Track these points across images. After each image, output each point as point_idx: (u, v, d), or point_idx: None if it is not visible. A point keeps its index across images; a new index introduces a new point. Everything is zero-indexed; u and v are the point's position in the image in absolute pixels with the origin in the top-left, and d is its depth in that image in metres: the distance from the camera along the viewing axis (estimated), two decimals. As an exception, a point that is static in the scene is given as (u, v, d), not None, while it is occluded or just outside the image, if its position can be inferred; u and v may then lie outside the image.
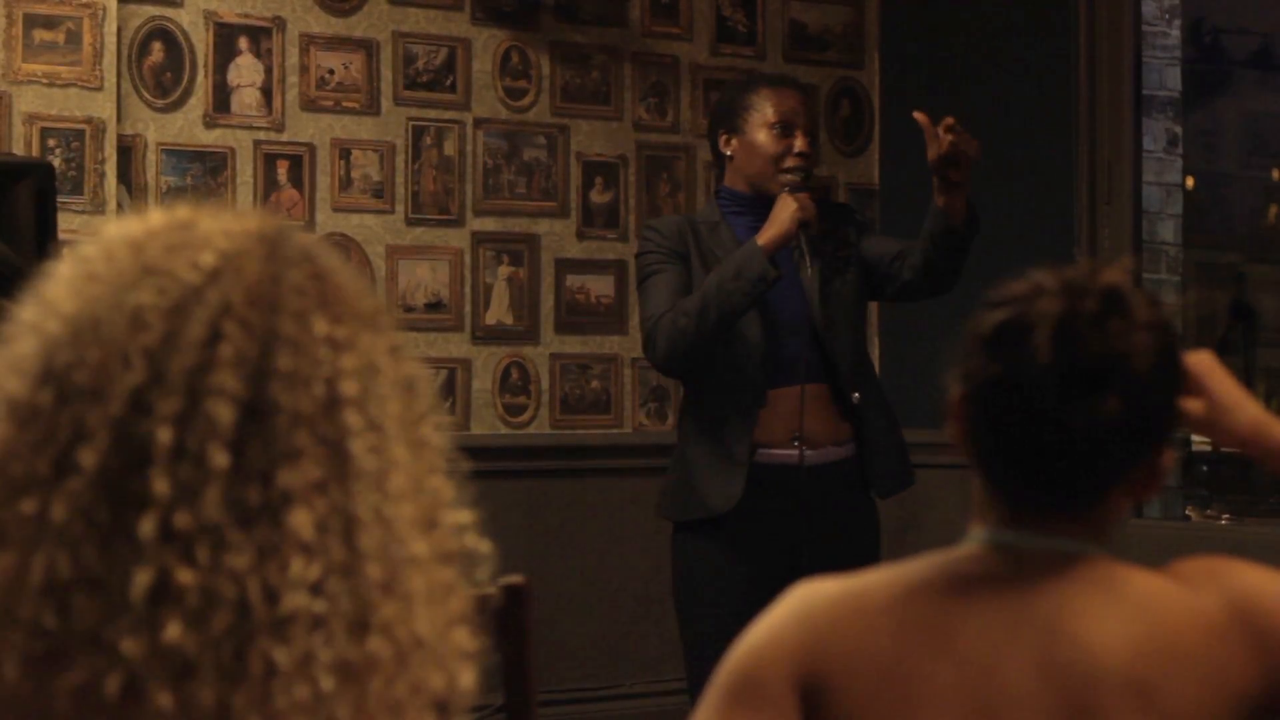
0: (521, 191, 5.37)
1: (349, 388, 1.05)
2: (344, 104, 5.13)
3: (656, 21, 5.55)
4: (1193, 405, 1.76)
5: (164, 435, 1.00)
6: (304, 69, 5.08)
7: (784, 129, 3.87)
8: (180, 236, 1.07)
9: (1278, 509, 5.57)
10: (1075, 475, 1.64)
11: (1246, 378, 5.61)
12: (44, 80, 4.70)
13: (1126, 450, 1.63)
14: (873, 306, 5.78)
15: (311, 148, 5.09)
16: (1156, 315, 1.66)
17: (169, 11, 4.92)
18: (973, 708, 1.60)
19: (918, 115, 3.69)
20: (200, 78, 4.95)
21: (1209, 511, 5.48)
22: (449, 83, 5.26)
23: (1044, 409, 1.61)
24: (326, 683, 1.01)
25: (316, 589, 1.01)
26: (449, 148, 5.26)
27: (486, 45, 5.32)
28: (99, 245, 1.08)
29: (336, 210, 5.12)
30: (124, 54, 4.84)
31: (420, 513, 1.07)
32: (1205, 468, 5.73)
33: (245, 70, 5.01)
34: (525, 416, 5.34)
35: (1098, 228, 5.29)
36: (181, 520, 1.00)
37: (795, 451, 3.79)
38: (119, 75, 4.81)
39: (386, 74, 5.18)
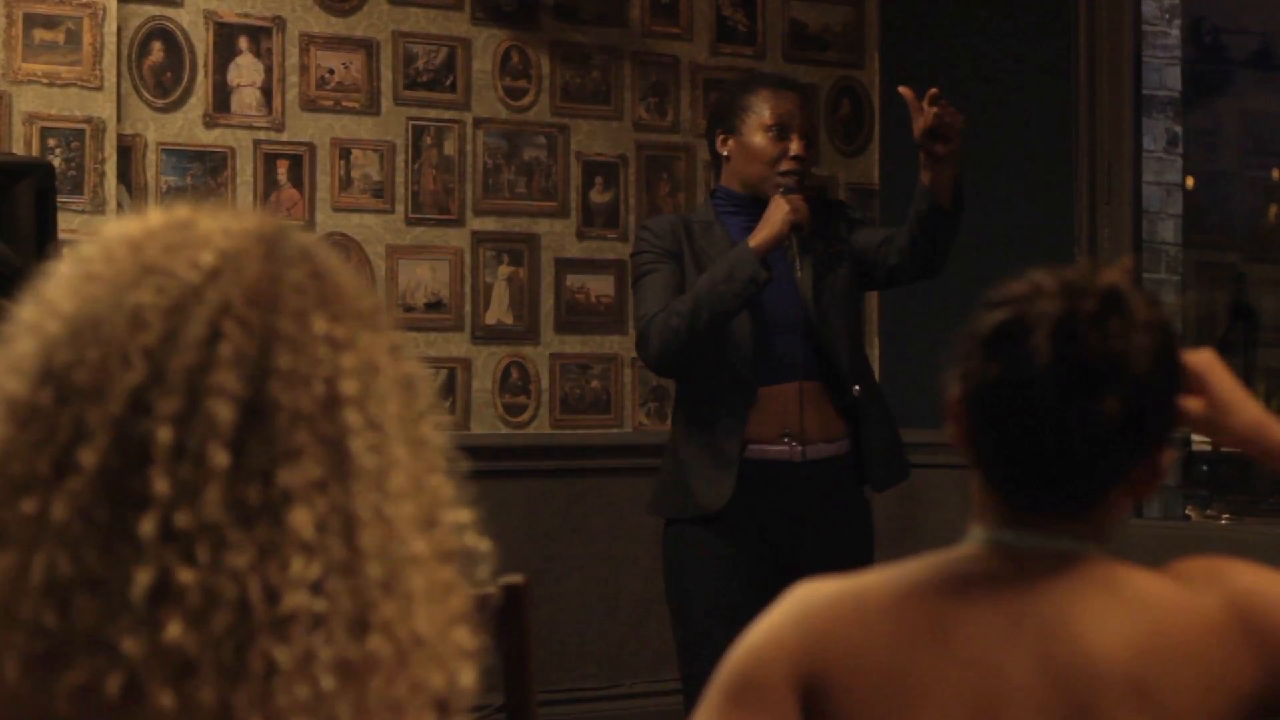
0: (521, 191, 5.37)
1: (349, 386, 1.05)
2: (344, 104, 5.13)
3: (656, 21, 5.56)
4: (1193, 404, 1.76)
5: (164, 435, 1.01)
6: (304, 69, 5.08)
7: (780, 131, 3.88)
8: (179, 236, 1.07)
9: (1278, 509, 5.57)
10: (1075, 475, 1.64)
11: (1246, 378, 5.61)
12: (44, 80, 4.70)
13: (1126, 450, 1.63)
14: (873, 307, 5.78)
15: (311, 147, 5.09)
16: (1156, 315, 1.66)
17: (169, 11, 4.92)
18: (973, 707, 1.60)
19: (903, 90, 3.71)
20: (200, 78, 4.95)
21: (1209, 511, 5.48)
22: (449, 83, 5.27)
23: (1043, 409, 1.61)
24: (327, 682, 1.01)
25: (317, 588, 1.02)
26: (449, 147, 5.26)
27: (486, 45, 5.32)
28: (98, 245, 1.08)
29: (336, 210, 5.13)
30: (124, 54, 4.84)
31: (420, 511, 1.07)
32: (1205, 468, 5.73)
33: (245, 70, 5.01)
34: (525, 416, 5.34)
35: (1098, 228, 5.29)
36: (182, 519, 1.00)
37: (786, 448, 3.80)
38: (119, 75, 4.81)
39: (386, 74, 5.18)
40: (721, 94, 4.20)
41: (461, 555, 1.11)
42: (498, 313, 5.32)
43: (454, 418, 5.17)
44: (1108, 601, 1.62)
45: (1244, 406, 1.78)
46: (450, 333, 5.25)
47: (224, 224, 1.08)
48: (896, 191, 5.73)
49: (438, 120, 5.25)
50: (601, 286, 5.45)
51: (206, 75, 4.96)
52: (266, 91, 5.03)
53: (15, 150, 4.61)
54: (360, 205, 5.15)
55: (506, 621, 1.93)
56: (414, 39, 5.22)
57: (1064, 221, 5.29)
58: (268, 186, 5.03)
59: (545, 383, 5.37)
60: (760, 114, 3.89)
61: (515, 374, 5.34)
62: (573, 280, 5.43)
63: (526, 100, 5.37)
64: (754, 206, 3.87)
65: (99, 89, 4.76)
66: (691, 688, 3.82)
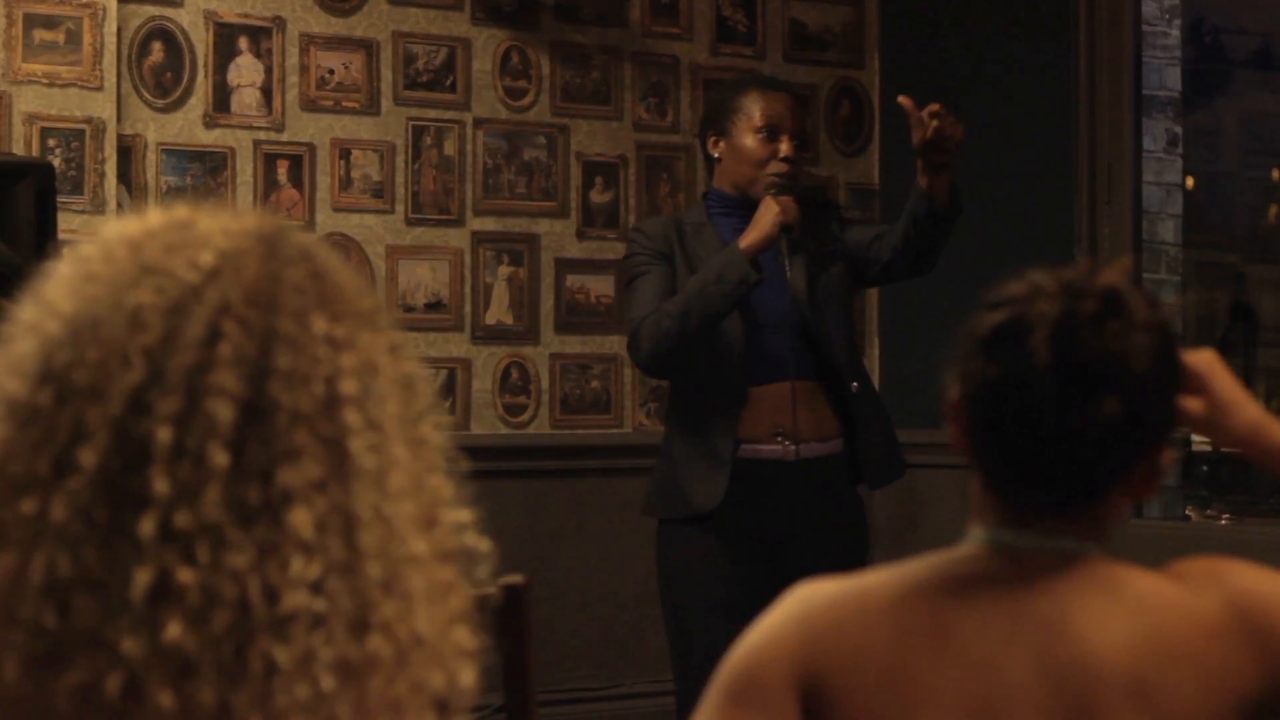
0: (521, 191, 5.37)
1: (348, 386, 1.05)
2: (344, 104, 5.13)
3: (656, 21, 5.56)
4: (1193, 404, 1.76)
5: (164, 435, 1.01)
6: (304, 69, 5.08)
7: (770, 133, 3.90)
8: (179, 236, 1.07)
9: (1278, 509, 5.57)
10: (1074, 475, 1.64)
11: (1246, 378, 5.61)
12: (44, 80, 4.70)
13: (1125, 451, 1.63)
14: (872, 306, 5.79)
15: (311, 148, 5.09)
16: (1155, 316, 1.66)
17: (169, 11, 4.92)
18: (973, 708, 1.60)
19: (902, 100, 3.72)
20: (200, 78, 4.95)
21: (1209, 511, 5.48)
22: (449, 83, 5.27)
23: (1043, 410, 1.61)
24: (327, 681, 1.01)
25: (317, 588, 1.02)
26: (449, 148, 5.26)
27: (486, 45, 5.32)
28: (98, 245, 1.08)
29: (336, 210, 5.13)
30: (124, 54, 4.84)
31: (420, 511, 1.07)
32: (1205, 468, 5.74)
33: (245, 70, 5.01)
34: (525, 416, 5.34)
35: (1098, 228, 5.29)
36: (181, 519, 1.00)
37: (779, 447, 3.81)
38: (119, 75, 4.81)
39: (386, 74, 5.18)
40: (713, 96, 4.22)
41: (461, 555, 1.11)
42: (498, 313, 5.32)
43: (454, 418, 5.17)
44: (1107, 602, 1.62)
45: (1244, 408, 1.78)
46: (450, 333, 5.26)
47: (223, 224, 1.08)
48: (896, 191, 5.73)
49: (438, 120, 5.25)
50: (601, 286, 5.45)
51: (206, 75, 4.96)
52: (266, 92, 5.03)
53: (15, 150, 4.61)
54: (360, 205, 5.15)
55: (506, 621, 1.93)
56: (414, 39, 5.22)
57: (1064, 221, 5.29)
58: (268, 187, 5.03)
59: (545, 383, 5.37)
60: (751, 115, 3.91)
61: (515, 374, 5.34)
62: (573, 280, 5.43)
63: (526, 100, 5.37)
64: (745, 208, 3.88)
65: (99, 89, 4.76)
66: (684, 687, 3.82)
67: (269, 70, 5.04)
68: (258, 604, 1.00)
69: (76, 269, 1.07)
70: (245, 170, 5.00)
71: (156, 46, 4.91)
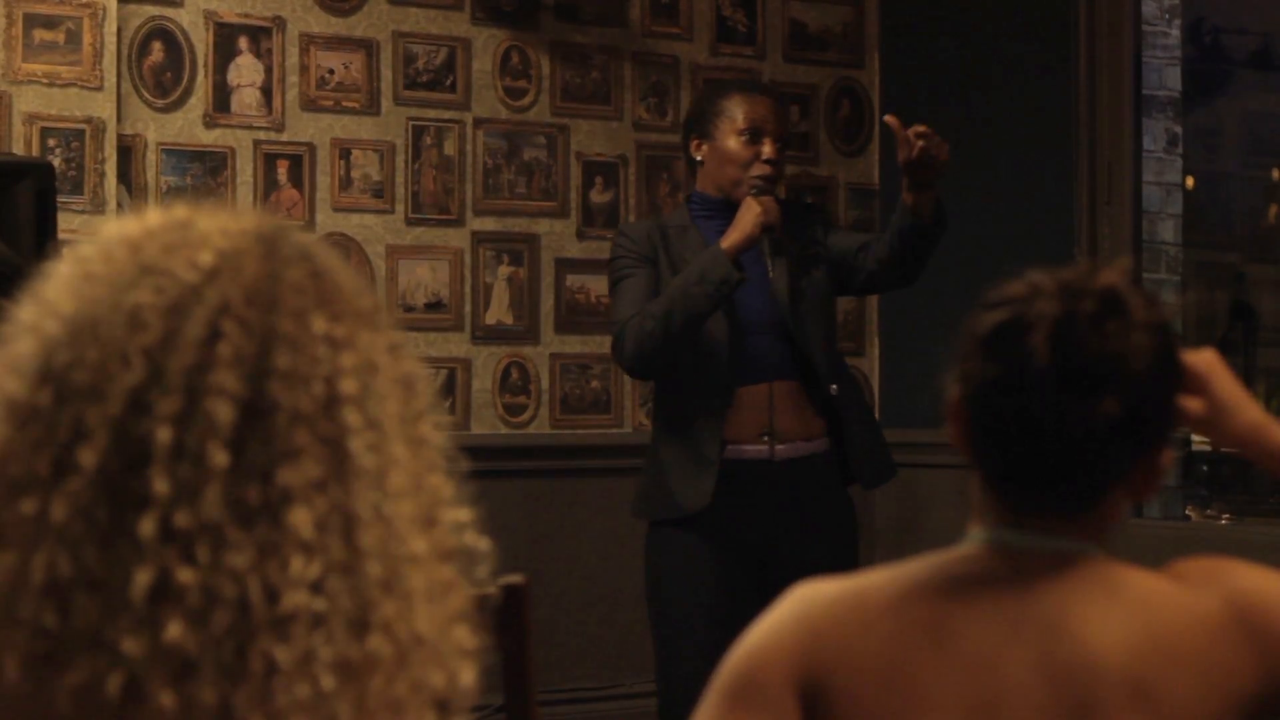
0: (521, 191, 5.37)
1: (348, 386, 1.05)
2: (344, 104, 5.13)
3: (656, 21, 5.56)
4: (1192, 404, 1.76)
5: (163, 435, 1.01)
6: (304, 69, 5.08)
7: (753, 135, 3.92)
8: (178, 236, 1.07)
9: (1278, 509, 5.57)
10: (1074, 475, 1.64)
11: (1246, 378, 5.62)
12: (44, 80, 4.70)
13: (1125, 451, 1.63)
14: (872, 306, 5.79)
15: (311, 147, 5.09)
16: (1155, 315, 1.66)
17: (169, 11, 4.92)
18: (972, 708, 1.60)
19: (889, 119, 3.75)
20: (200, 78, 4.95)
21: (1209, 511, 5.48)
22: (449, 83, 5.27)
23: (1042, 410, 1.61)
24: (327, 681, 1.01)
25: (317, 587, 1.02)
26: (449, 148, 5.26)
27: (486, 45, 5.32)
28: (97, 245, 1.08)
29: (336, 210, 5.13)
30: (124, 54, 4.84)
31: (420, 510, 1.07)
32: (1205, 468, 5.74)
33: (245, 70, 5.01)
34: (525, 416, 5.34)
35: (1098, 228, 5.29)
36: (181, 519, 1.00)
37: (765, 447, 3.82)
38: (119, 75, 4.81)
39: (386, 74, 5.18)
40: (696, 100, 4.26)
41: (461, 555, 1.11)
42: (498, 313, 5.32)
43: (454, 418, 5.17)
44: (1107, 602, 1.62)
45: (1244, 408, 1.78)
46: (450, 333, 5.26)
47: (223, 224, 1.08)
48: (896, 192, 5.72)
49: (438, 120, 5.25)
50: (601, 287, 5.45)
51: (206, 75, 4.96)
52: (266, 91, 5.03)
53: (15, 150, 4.61)
54: (360, 205, 5.15)
55: (506, 621, 1.93)
56: (414, 39, 5.23)
57: (1064, 221, 5.29)
58: (268, 187, 5.03)
59: (545, 383, 5.37)
60: (733, 118, 3.93)
61: (515, 374, 5.34)
62: (573, 280, 5.43)
63: (526, 100, 5.37)
64: (728, 210, 3.90)
65: (99, 89, 4.76)
66: (667, 686, 3.82)
67: (269, 70, 5.04)
68: (258, 604, 1.00)
69: (76, 269, 1.07)
70: (245, 170, 5.00)
71: (156, 46, 4.91)
